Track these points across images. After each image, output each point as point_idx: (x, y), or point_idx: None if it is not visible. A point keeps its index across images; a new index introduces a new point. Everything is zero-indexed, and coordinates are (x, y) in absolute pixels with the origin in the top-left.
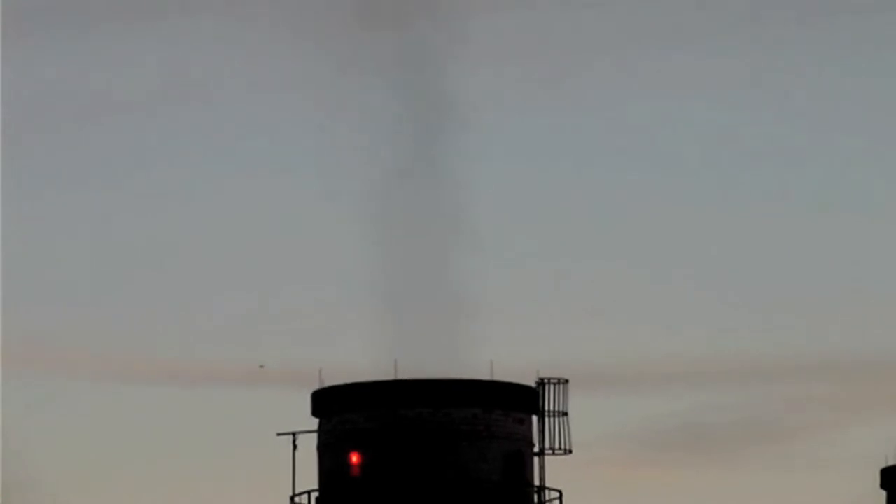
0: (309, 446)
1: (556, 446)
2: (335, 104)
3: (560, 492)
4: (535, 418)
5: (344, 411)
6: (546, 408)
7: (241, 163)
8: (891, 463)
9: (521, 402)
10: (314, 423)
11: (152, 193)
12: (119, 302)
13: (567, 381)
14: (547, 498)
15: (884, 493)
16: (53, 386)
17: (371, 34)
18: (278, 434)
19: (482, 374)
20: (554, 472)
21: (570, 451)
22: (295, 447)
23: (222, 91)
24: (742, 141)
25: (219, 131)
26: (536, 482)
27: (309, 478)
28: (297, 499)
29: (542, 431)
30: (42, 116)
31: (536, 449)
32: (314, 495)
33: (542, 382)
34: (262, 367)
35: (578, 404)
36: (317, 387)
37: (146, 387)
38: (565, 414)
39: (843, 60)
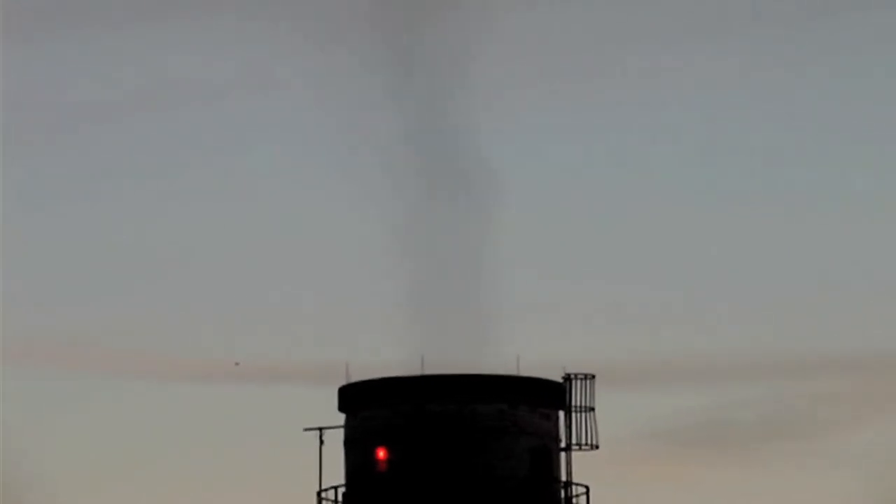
0: (336, 442)
1: (583, 442)
2: (355, 103)
3: (587, 487)
4: (561, 413)
5: (370, 407)
6: (572, 403)
7: (265, 161)
8: None
9: (548, 398)
10: (341, 418)
11: (176, 192)
12: (144, 300)
13: (594, 376)
14: (574, 493)
15: None
16: (74, 384)
17: (387, 31)
18: (305, 429)
19: (508, 370)
20: (580, 467)
21: (597, 447)
22: (321, 442)
23: (237, 89)
24: (764, 139)
25: (236, 129)
26: (563, 477)
27: (335, 473)
28: (323, 494)
29: (568, 427)
30: (54, 111)
31: (563, 444)
32: (341, 490)
33: (568, 378)
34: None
35: (605, 400)
36: (343, 382)
37: (172, 384)
38: (592, 409)
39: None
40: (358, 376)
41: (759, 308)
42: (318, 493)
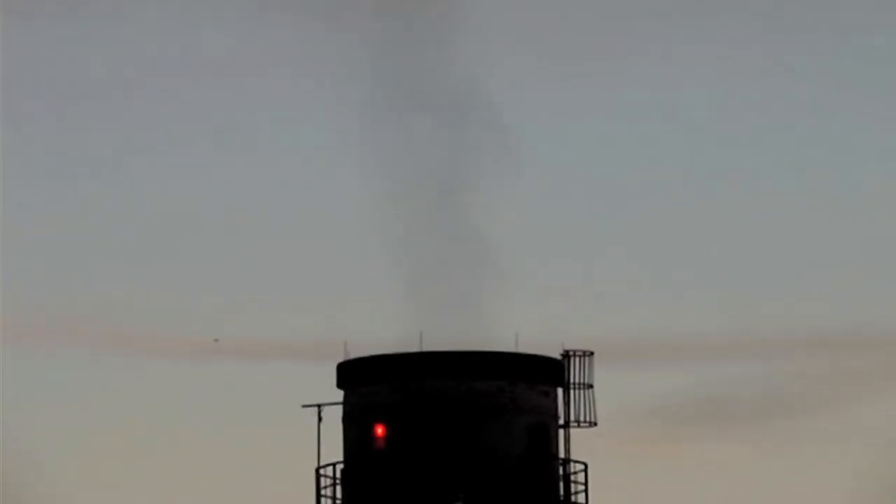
0: (334, 418)
1: (581, 419)
2: (354, 76)
3: (585, 464)
4: (560, 391)
5: (368, 383)
6: (571, 380)
7: (258, 138)
8: None
9: (546, 375)
10: (339, 395)
11: (175, 170)
12: (143, 278)
13: (592, 353)
14: (572, 470)
15: None
16: (76, 361)
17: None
18: (303, 406)
19: (507, 347)
20: (579, 444)
21: (596, 424)
22: (320, 419)
23: (238, 68)
24: (770, 123)
25: (228, 105)
26: (561, 455)
27: (334, 450)
28: (322, 471)
29: (566, 404)
30: (67, 87)
31: (561, 421)
32: (339, 467)
33: (567, 355)
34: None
35: (603, 377)
36: (342, 359)
37: (172, 362)
38: (590, 386)
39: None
40: (356, 353)
41: (759, 286)
42: (317, 470)
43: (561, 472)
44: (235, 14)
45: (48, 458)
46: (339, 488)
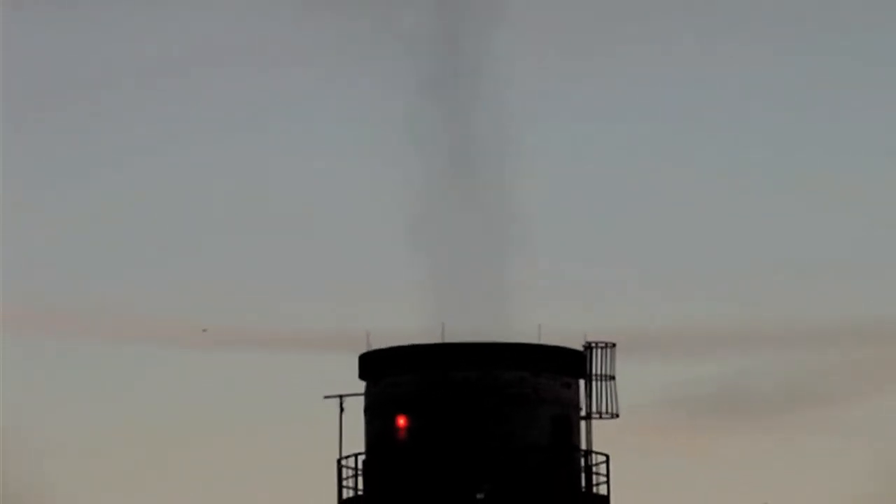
0: (356, 409)
1: (604, 410)
2: (375, 71)
3: (607, 456)
4: (582, 382)
5: (391, 374)
6: (593, 371)
7: (284, 130)
8: None
9: (569, 366)
10: (361, 385)
11: (196, 160)
12: (163, 267)
13: (615, 344)
14: (594, 462)
15: None
16: (94, 351)
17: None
18: (325, 397)
19: (530, 338)
20: (601, 436)
21: (618, 416)
22: (342, 410)
23: (251, 58)
24: (778, 117)
25: (255, 97)
26: (583, 446)
27: (356, 441)
28: (343, 461)
29: (589, 395)
30: (67, 84)
31: (583, 413)
32: (361, 458)
33: (589, 346)
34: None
35: (626, 368)
36: (364, 349)
37: (194, 351)
38: (612, 378)
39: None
40: (379, 344)
41: (778, 277)
42: (339, 461)
43: (583, 463)
44: (238, 6)
45: (55, 453)
46: (360, 479)
